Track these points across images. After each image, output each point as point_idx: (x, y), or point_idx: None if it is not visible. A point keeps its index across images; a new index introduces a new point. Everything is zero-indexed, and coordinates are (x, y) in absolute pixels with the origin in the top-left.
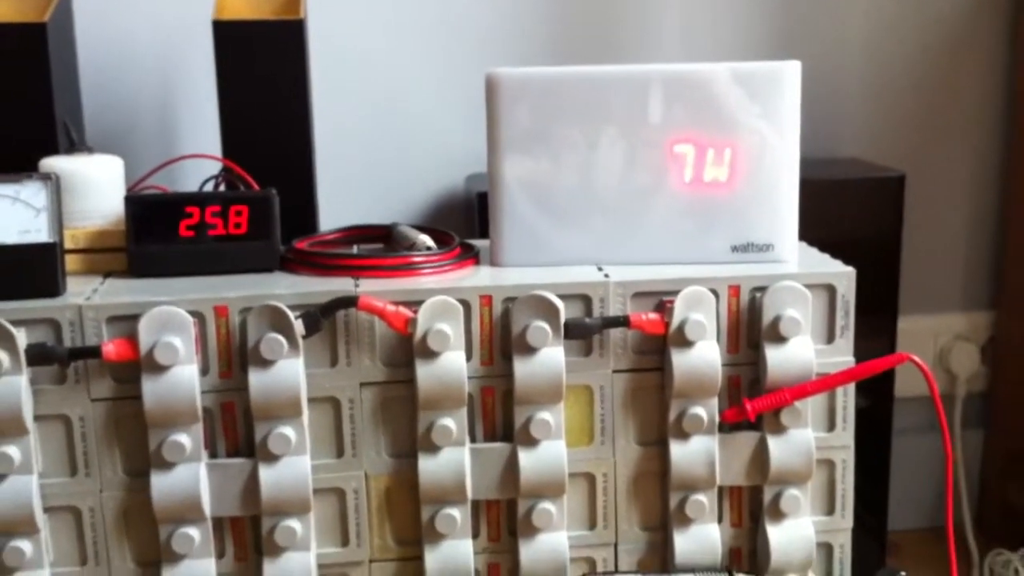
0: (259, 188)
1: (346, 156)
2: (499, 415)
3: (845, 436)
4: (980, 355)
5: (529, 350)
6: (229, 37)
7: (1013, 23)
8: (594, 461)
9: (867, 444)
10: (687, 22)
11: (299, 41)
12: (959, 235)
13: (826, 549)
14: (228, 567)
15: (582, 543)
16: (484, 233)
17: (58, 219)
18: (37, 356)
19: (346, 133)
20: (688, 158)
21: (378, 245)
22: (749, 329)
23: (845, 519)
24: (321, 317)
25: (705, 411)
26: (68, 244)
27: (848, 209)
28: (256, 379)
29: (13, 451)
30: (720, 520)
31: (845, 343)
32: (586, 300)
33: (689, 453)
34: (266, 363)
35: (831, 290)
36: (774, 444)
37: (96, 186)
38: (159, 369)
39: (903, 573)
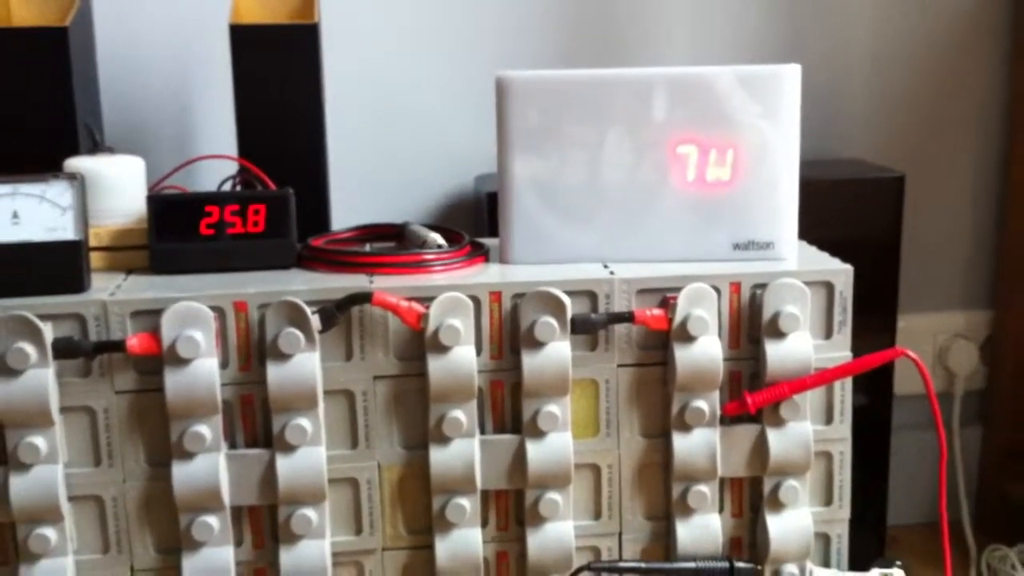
0: (275, 188)
1: (358, 156)
2: (508, 408)
3: (843, 429)
4: (979, 353)
5: (537, 345)
6: (245, 41)
7: (1013, 24)
8: (599, 452)
9: (867, 441)
10: (692, 26)
11: (313, 44)
12: (958, 235)
13: (824, 539)
14: (246, 554)
15: (587, 532)
16: (493, 232)
17: (83, 218)
18: (63, 350)
19: (358, 134)
20: (691, 158)
21: (390, 243)
22: (750, 325)
23: (842, 510)
24: (337, 312)
25: (707, 404)
26: (92, 242)
27: (849, 209)
28: (274, 372)
29: (40, 441)
30: (721, 510)
31: (843, 338)
32: (592, 296)
33: (691, 445)
34: (284, 357)
35: (829, 287)
36: (773, 437)
37: (118, 186)
38: (181, 362)
39: (899, 562)
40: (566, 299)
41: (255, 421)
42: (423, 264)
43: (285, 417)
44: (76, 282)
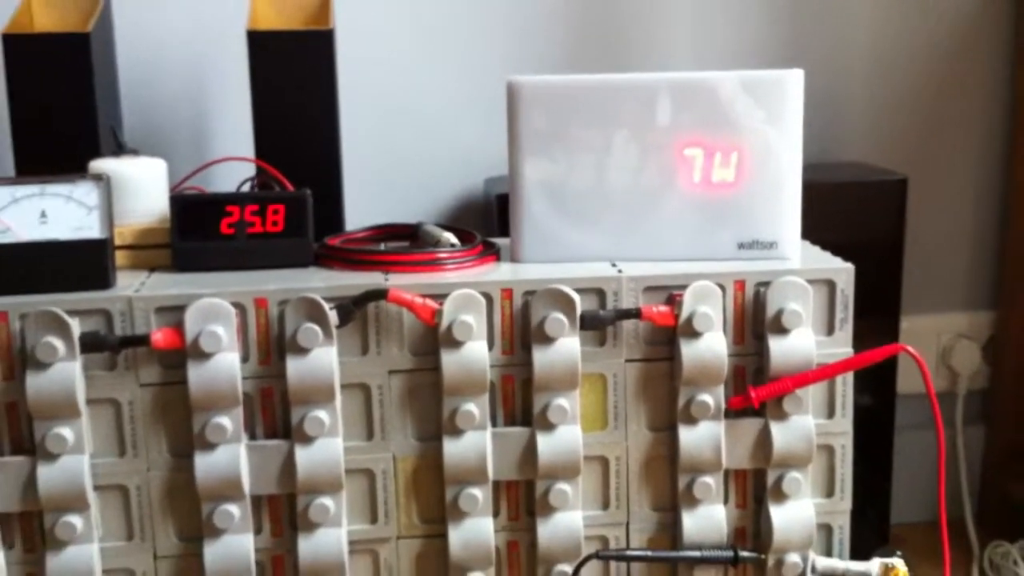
0: (293, 189)
1: (371, 159)
2: (519, 401)
3: (844, 423)
4: (981, 353)
5: (547, 340)
6: (262, 46)
7: (1014, 27)
8: (608, 445)
9: (870, 439)
10: (697, 32)
11: (328, 49)
12: (960, 236)
13: (826, 530)
14: (265, 542)
15: (596, 522)
16: (502, 232)
17: (109, 217)
18: (90, 344)
19: (371, 137)
20: (697, 160)
21: (405, 243)
22: (754, 321)
23: (844, 501)
24: (353, 309)
25: (712, 398)
26: (116, 241)
27: (852, 211)
28: (293, 366)
29: (67, 432)
30: (726, 501)
31: (844, 335)
32: (600, 294)
33: (697, 438)
34: (302, 351)
35: (831, 285)
36: (777, 430)
37: (142, 186)
38: (203, 356)
39: (899, 552)
40: (575, 296)
41: (274, 413)
42: (437, 262)
43: (303, 409)
44: (102, 279)
